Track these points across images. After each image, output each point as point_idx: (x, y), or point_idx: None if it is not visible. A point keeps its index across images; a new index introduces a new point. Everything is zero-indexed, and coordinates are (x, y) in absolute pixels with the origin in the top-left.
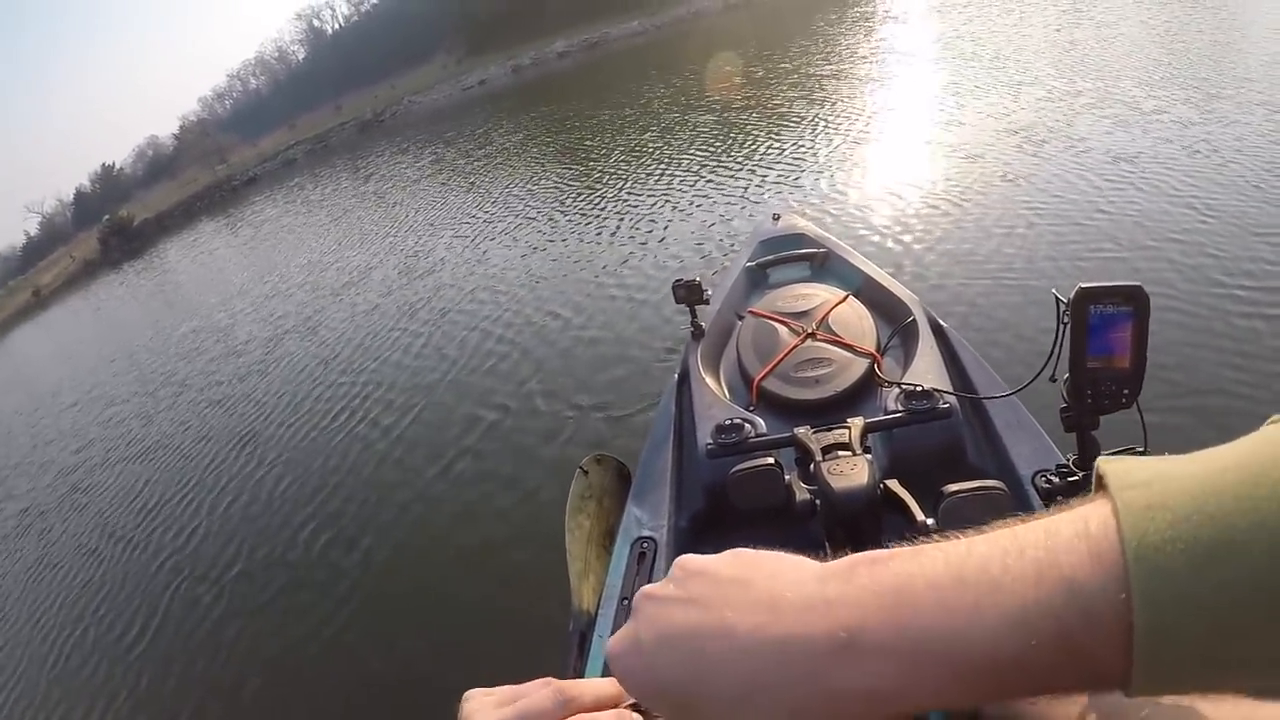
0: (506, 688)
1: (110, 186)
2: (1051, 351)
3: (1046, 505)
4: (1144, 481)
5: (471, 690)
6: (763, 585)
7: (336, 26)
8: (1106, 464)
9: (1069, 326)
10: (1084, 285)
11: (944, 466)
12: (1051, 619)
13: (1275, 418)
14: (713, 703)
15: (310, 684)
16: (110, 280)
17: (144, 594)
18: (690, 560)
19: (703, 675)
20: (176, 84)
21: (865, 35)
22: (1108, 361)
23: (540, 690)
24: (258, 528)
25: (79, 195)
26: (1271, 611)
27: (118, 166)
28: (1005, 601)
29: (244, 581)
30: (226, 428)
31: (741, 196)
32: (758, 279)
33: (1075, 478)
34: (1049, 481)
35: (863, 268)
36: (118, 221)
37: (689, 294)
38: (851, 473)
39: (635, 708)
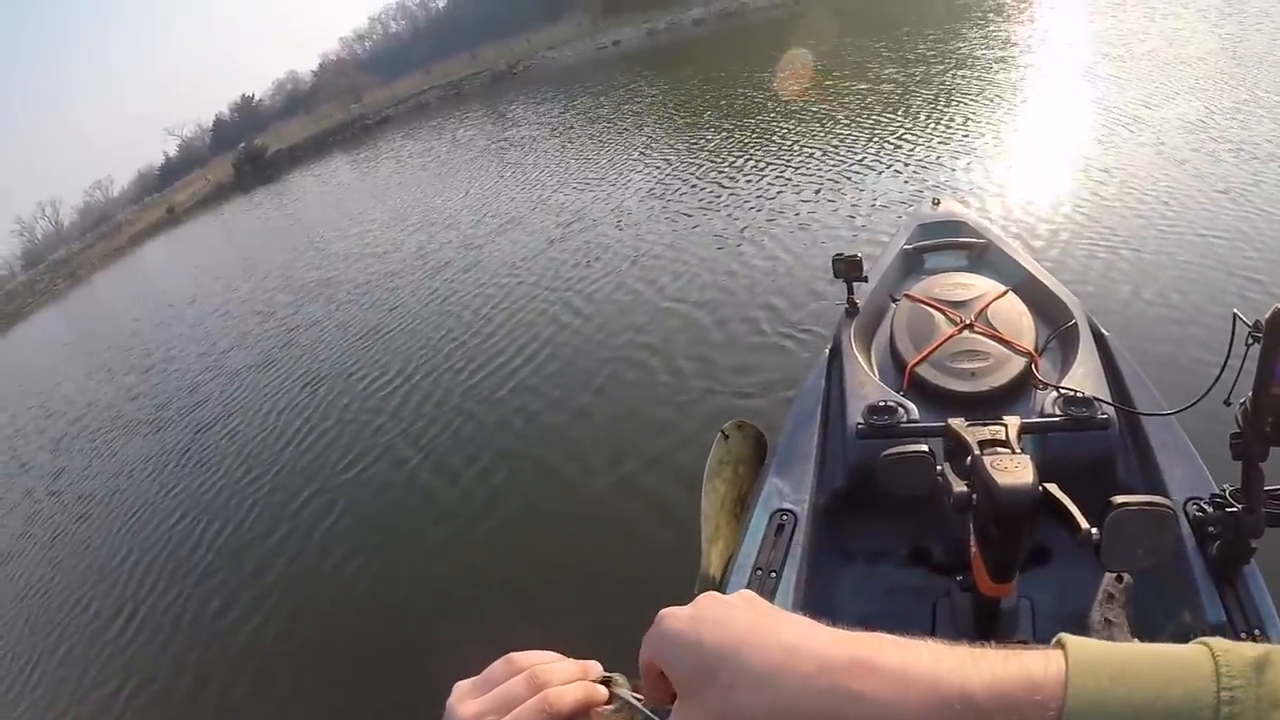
0: (479, 676)
1: (248, 116)
2: (1221, 372)
3: (1196, 534)
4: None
5: (458, 683)
6: (799, 620)
7: None
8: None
9: (1260, 348)
10: None
11: (1094, 480)
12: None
13: (1204, 641)
14: (738, 674)
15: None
16: (241, 202)
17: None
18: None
19: (739, 652)
20: (321, 24)
21: (1042, 20)
22: None
23: (504, 671)
24: (381, 449)
25: (218, 122)
26: None
27: (257, 98)
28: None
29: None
30: (347, 350)
31: (896, 176)
32: (914, 263)
33: (1233, 510)
34: (1202, 510)
35: (1024, 263)
36: (253, 149)
37: (849, 269)
38: (1016, 470)
39: (605, 682)
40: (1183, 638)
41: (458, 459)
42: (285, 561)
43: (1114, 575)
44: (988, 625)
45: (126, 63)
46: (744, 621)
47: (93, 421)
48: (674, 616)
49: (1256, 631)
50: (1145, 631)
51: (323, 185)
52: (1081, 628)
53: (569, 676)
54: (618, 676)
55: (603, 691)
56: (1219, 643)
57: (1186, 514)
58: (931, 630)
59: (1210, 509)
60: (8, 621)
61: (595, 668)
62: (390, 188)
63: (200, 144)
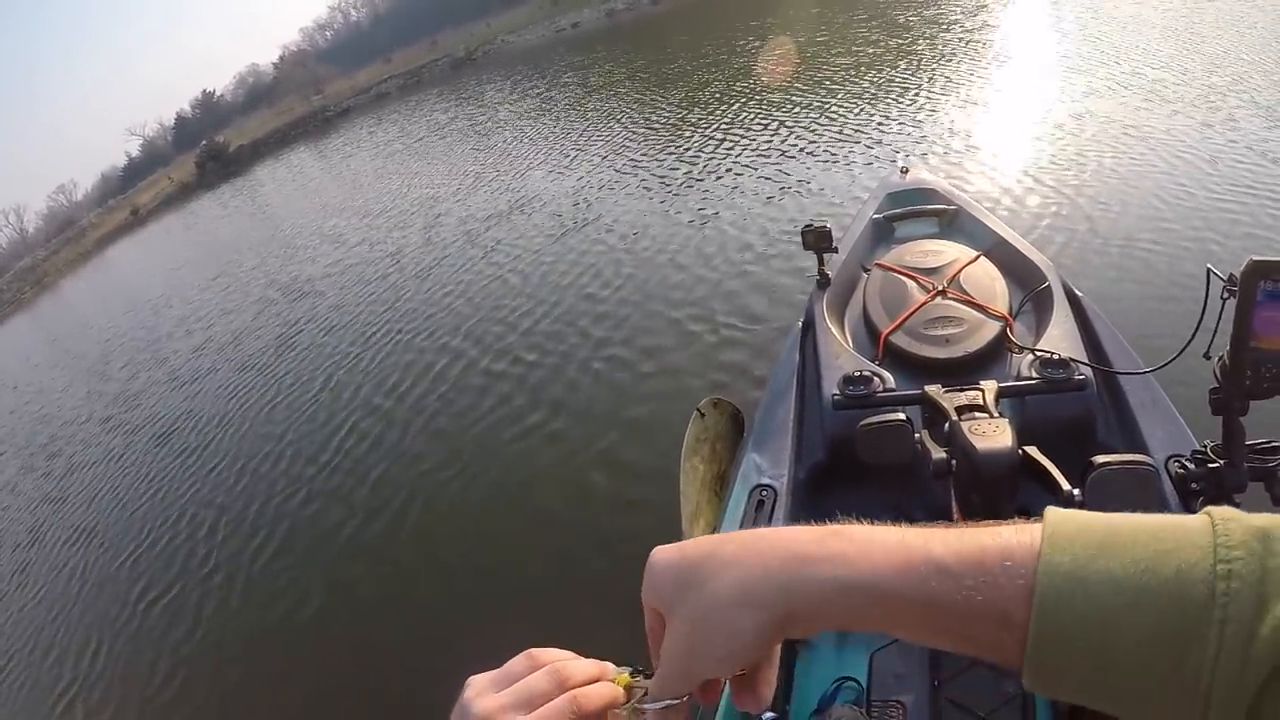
0: (498, 670)
1: (210, 112)
2: (1197, 328)
3: (1179, 491)
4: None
5: (472, 677)
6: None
7: None
8: (1052, 512)
9: (1235, 302)
10: (1256, 258)
11: (1073, 441)
12: (982, 578)
13: (1208, 510)
14: (712, 568)
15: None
16: (205, 201)
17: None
18: None
19: (714, 552)
20: (282, 14)
21: None
22: (1272, 341)
23: (525, 666)
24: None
25: (179, 120)
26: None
27: (218, 93)
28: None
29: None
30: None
31: (863, 145)
32: (884, 232)
33: (1215, 465)
34: (1184, 467)
35: (994, 228)
36: (215, 146)
37: (818, 240)
38: (994, 434)
39: (636, 673)
40: None
41: (446, 455)
42: (287, 561)
43: None
44: None
45: (87, 62)
46: (725, 535)
47: (66, 444)
48: (661, 549)
49: None
50: None
51: (287, 178)
52: None
53: (592, 675)
54: (631, 675)
55: (622, 693)
56: (1223, 511)
57: (1169, 471)
58: None
59: (1192, 466)
60: None
61: (610, 669)
62: (353, 178)
63: (163, 142)
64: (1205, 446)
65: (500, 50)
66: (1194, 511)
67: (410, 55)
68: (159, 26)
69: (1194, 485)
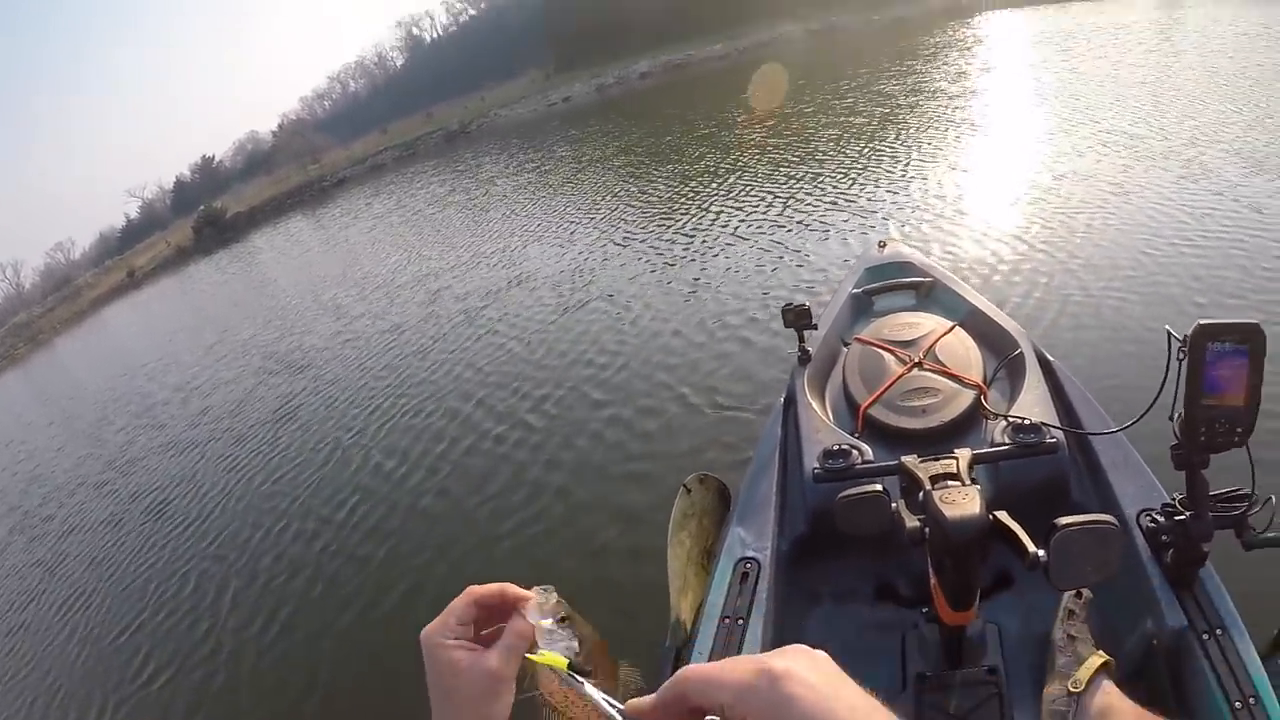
0: (449, 617)
1: (209, 177)
2: (1161, 388)
3: (1151, 544)
4: None
5: (424, 631)
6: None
7: (435, 35)
8: None
9: (1185, 363)
10: (1203, 322)
11: (1048, 502)
12: None
13: None
14: None
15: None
16: (201, 266)
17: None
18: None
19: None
20: (284, 82)
21: (958, 62)
22: (1222, 399)
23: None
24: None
25: (178, 184)
26: None
27: (217, 159)
28: None
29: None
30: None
31: (852, 214)
32: (863, 306)
33: (1181, 517)
34: (1154, 521)
35: (969, 298)
36: (212, 212)
37: (797, 318)
38: (963, 502)
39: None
40: (1146, 645)
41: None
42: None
43: (1073, 592)
44: (954, 653)
45: (89, 120)
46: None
47: (59, 507)
48: (802, 683)
49: (1219, 631)
50: (1110, 643)
51: (285, 246)
52: (1046, 646)
53: (494, 590)
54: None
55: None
56: None
57: (1140, 525)
58: (901, 662)
59: (1162, 519)
60: None
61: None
62: (351, 249)
63: (161, 205)
64: (1174, 499)
65: (494, 123)
66: (1166, 562)
67: (406, 127)
68: (162, 88)
69: (1164, 537)
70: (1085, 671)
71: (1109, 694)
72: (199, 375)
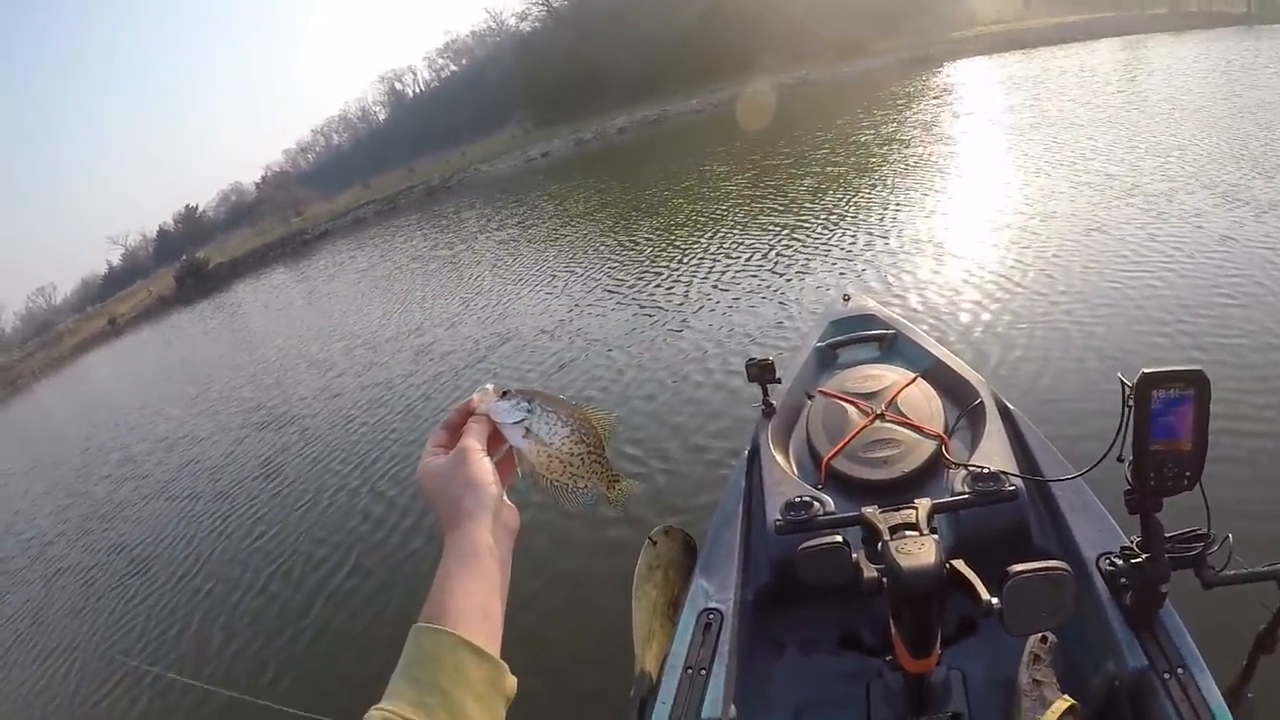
0: (427, 446)
1: (192, 226)
2: (1117, 434)
3: (1110, 587)
4: None
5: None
6: None
7: (417, 90)
8: None
9: (1132, 410)
10: (1146, 371)
11: (1009, 548)
12: None
13: None
14: None
15: None
16: (184, 316)
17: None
18: None
19: None
20: (270, 133)
21: (929, 110)
22: (1170, 444)
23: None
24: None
25: (162, 233)
26: None
27: (201, 209)
28: None
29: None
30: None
31: (831, 261)
32: (828, 359)
33: (1138, 560)
34: (1113, 564)
35: (931, 349)
36: (195, 262)
37: (761, 372)
38: (919, 552)
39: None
40: (1110, 687)
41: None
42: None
43: (1038, 636)
44: (918, 701)
45: (75, 166)
46: None
47: (36, 559)
48: None
49: (1180, 670)
50: (1074, 685)
51: (269, 299)
52: (1011, 691)
53: (453, 411)
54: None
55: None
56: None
57: (1100, 569)
58: (867, 711)
59: (1120, 561)
60: None
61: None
62: (334, 302)
63: (144, 253)
64: (1132, 542)
65: (474, 178)
66: (1126, 604)
67: (388, 181)
68: (148, 136)
69: (1123, 580)
70: (1051, 715)
71: None
72: (181, 427)
